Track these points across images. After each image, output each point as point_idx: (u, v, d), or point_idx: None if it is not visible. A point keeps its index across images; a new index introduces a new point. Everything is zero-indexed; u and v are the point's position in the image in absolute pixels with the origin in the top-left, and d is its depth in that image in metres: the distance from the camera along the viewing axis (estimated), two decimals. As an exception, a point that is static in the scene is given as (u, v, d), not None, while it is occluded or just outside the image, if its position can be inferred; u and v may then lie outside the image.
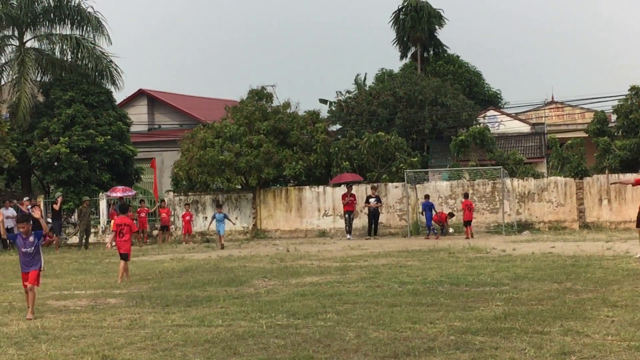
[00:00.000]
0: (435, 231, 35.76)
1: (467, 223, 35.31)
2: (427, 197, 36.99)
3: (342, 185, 39.70)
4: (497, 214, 38.11)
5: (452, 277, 18.71)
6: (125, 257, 21.65)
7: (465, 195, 36.75)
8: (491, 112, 57.79)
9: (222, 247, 33.17)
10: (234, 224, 37.14)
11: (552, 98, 67.87)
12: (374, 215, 37.81)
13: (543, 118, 61.67)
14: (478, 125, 48.76)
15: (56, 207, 37.04)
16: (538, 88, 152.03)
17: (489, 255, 24.94)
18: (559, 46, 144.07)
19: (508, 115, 58.60)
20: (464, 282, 17.61)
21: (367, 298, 15.74)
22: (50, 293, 18.86)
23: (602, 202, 37.19)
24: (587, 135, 44.69)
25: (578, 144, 41.68)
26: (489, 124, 51.90)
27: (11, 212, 35.88)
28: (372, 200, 37.78)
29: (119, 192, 40.86)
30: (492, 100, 67.79)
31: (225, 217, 35.26)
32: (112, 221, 38.93)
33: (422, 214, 36.79)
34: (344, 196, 38.25)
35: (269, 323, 13.29)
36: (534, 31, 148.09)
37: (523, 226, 37.25)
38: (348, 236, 37.38)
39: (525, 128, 57.01)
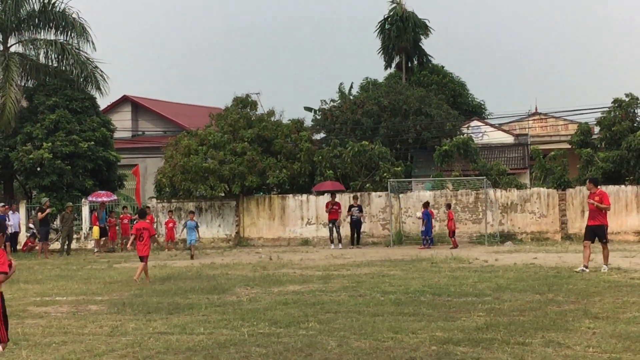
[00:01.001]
0: (427, 241, 35.48)
1: (454, 233, 35.36)
2: (426, 205, 36.58)
3: (326, 194, 39.68)
4: (479, 224, 38.16)
5: (435, 287, 18.73)
6: (144, 259, 22.72)
7: (449, 206, 36.72)
8: (475, 123, 57.87)
9: (192, 257, 32.04)
10: (199, 238, 36.05)
11: (536, 109, 68.16)
12: (356, 224, 37.80)
13: (526, 129, 61.86)
14: (462, 136, 48.81)
15: (41, 215, 36.94)
16: (522, 99, 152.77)
17: (471, 265, 24.97)
18: (543, 58, 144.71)
19: (492, 125, 58.74)
20: (446, 293, 17.64)
21: (349, 307, 15.75)
22: (31, 299, 18.78)
23: (585, 213, 37.11)
24: (570, 146, 44.80)
25: (561, 155, 41.79)
26: (472, 135, 51.91)
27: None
28: (354, 209, 37.75)
29: (103, 196, 40.71)
30: (476, 111, 67.92)
31: (197, 226, 34.20)
32: (95, 227, 39.03)
33: (423, 223, 36.24)
34: (327, 204, 38.20)
35: (251, 331, 13.28)
36: (518, 43, 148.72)
37: (506, 237, 37.31)
38: (332, 245, 37.16)
39: (508, 139, 57.15)
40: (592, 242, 22.23)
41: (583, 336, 12.23)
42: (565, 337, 12.16)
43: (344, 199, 38.98)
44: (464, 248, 33.94)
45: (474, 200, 38.74)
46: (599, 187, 23.27)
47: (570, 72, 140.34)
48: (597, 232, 22.22)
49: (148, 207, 41.01)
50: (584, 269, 21.49)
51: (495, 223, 38.02)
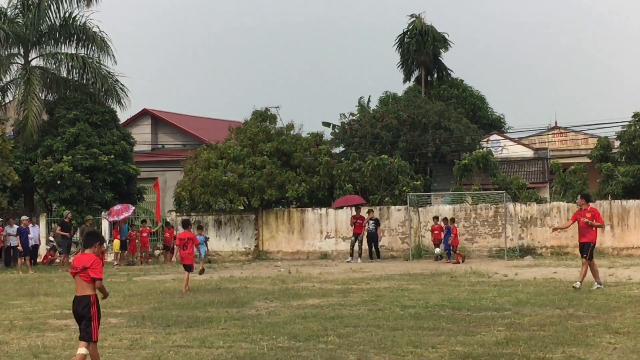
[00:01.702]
0: (449, 256, 35.34)
1: (456, 249, 35.19)
2: (446, 220, 36.46)
3: (345, 208, 39.66)
4: (499, 238, 38.00)
5: (454, 301, 18.69)
6: (189, 268, 23.60)
7: (452, 220, 36.37)
8: (494, 137, 57.83)
9: (202, 272, 29.74)
10: (208, 249, 35.86)
11: (556, 123, 67.92)
12: (372, 238, 37.61)
13: (546, 143, 61.71)
14: (481, 150, 48.76)
15: (59, 232, 37.16)
16: (541, 113, 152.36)
17: (491, 279, 24.90)
18: (562, 71, 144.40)
19: (511, 139, 58.68)
20: (465, 307, 17.59)
21: (368, 321, 15.72)
22: (51, 312, 18.84)
23: (605, 228, 37.10)
24: (590, 160, 44.70)
25: (581, 169, 41.67)
26: (492, 149, 51.87)
27: (14, 229, 35.89)
28: (370, 222, 37.55)
29: (122, 213, 40.50)
30: (496, 125, 67.87)
31: (206, 240, 33.84)
32: (115, 240, 39.10)
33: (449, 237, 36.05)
34: (352, 218, 38.00)
35: (270, 345, 13.28)
36: (537, 56, 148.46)
37: (525, 251, 37.13)
38: (350, 259, 36.96)
39: (528, 153, 57.07)
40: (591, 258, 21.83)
41: (604, 351, 12.17)
42: (586, 352, 12.11)
43: (364, 212, 38.79)
44: (483, 262, 33.81)
45: (493, 214, 38.62)
46: (590, 203, 22.93)
47: (590, 85, 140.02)
48: (583, 248, 21.77)
49: (167, 221, 41.12)
50: (599, 285, 21.27)
51: (515, 237, 37.87)
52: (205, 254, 33.63)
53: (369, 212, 38.16)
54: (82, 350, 11.26)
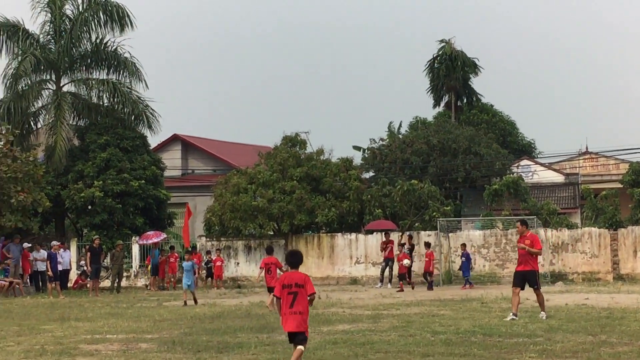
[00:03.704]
0: (471, 281, 35.35)
1: (430, 274, 35.26)
2: (464, 246, 36.57)
3: (375, 233, 39.58)
4: (530, 264, 37.74)
5: (485, 327, 18.56)
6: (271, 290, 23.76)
7: (428, 245, 36.43)
8: (525, 162, 57.55)
9: (185, 304, 28.28)
10: (197, 276, 33.14)
11: (587, 148, 67.52)
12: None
13: (577, 168, 61.34)
14: (512, 175, 48.58)
15: (89, 256, 37.10)
16: (572, 138, 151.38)
17: (522, 306, 24.64)
18: (593, 96, 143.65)
19: (542, 165, 58.35)
20: (497, 333, 17.46)
21: (399, 347, 15.63)
22: (82, 337, 18.85)
23: (637, 253, 36.81)
24: (621, 186, 44.39)
25: (612, 194, 41.39)
26: (522, 174, 51.65)
27: (42, 254, 36.02)
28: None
29: (153, 237, 40.86)
30: (526, 150, 67.56)
31: (194, 267, 29.86)
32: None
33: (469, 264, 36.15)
34: (382, 244, 37.80)
35: (301, 371, 13.21)
36: (568, 81, 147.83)
37: (556, 277, 36.91)
38: (380, 284, 36.76)
39: (559, 178, 56.71)
40: (522, 288, 21.17)
41: (638, 379, 12.05)
42: (620, 379, 11.99)
43: (395, 238, 38.61)
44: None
45: (524, 239, 38.35)
46: (529, 229, 22.57)
47: (621, 110, 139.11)
48: (528, 278, 21.17)
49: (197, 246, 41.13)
50: (514, 317, 20.53)
51: (546, 263, 37.62)
52: (193, 283, 29.47)
53: (409, 238, 37.94)
54: (301, 347, 12.62)
